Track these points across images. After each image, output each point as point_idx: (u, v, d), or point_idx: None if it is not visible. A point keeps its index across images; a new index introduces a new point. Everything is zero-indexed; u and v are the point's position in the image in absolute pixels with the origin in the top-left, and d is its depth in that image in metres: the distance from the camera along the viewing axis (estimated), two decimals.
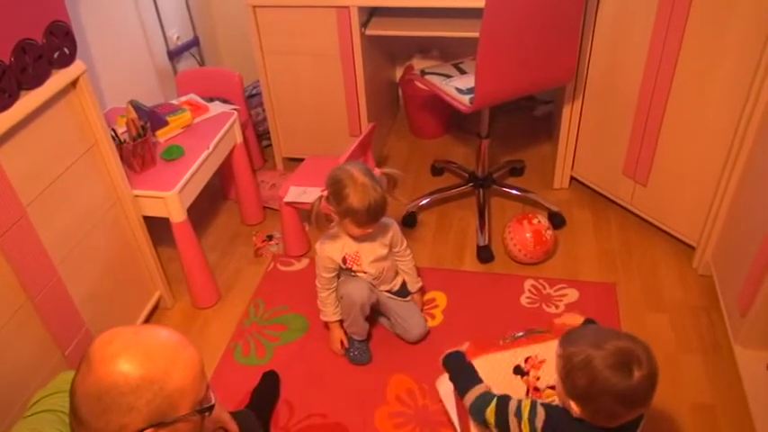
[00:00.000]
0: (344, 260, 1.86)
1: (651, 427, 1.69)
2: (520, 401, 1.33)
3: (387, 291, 1.96)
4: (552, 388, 1.46)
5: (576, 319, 1.49)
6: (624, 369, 1.14)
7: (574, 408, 1.22)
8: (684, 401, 1.76)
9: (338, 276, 1.91)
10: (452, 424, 1.65)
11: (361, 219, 1.73)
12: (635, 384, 1.14)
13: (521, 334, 1.56)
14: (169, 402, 0.94)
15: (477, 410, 1.38)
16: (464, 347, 1.53)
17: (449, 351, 1.53)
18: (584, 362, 1.17)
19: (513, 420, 1.31)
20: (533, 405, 1.30)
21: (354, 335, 1.93)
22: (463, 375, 1.46)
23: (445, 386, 1.60)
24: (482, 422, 1.38)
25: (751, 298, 1.72)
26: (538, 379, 1.51)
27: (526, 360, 1.51)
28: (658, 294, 2.10)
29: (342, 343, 1.94)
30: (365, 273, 1.87)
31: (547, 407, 1.30)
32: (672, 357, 1.88)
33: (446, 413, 1.70)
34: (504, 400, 1.34)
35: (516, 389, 1.48)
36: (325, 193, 1.75)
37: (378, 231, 1.84)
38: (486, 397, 1.37)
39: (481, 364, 1.49)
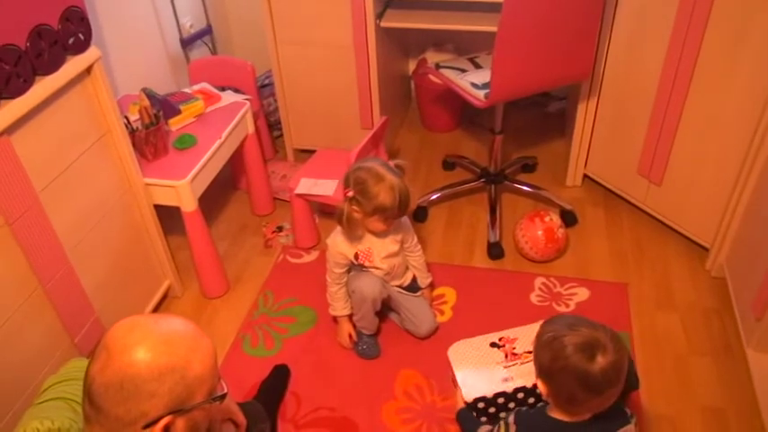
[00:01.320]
0: (356, 256, 1.85)
1: (660, 429, 1.68)
2: (498, 427, 1.38)
3: (397, 286, 1.95)
4: (530, 353, 1.56)
5: None
6: (587, 352, 1.18)
7: (541, 388, 1.27)
8: (695, 404, 1.74)
9: (349, 271, 1.90)
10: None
11: (391, 214, 1.74)
12: (595, 369, 1.17)
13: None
14: (189, 390, 0.95)
15: None
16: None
17: (461, 408, 1.60)
18: (551, 339, 1.23)
19: None
20: (506, 423, 1.36)
21: (364, 329, 1.92)
22: (470, 426, 1.55)
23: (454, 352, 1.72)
24: None
25: (767, 301, 1.70)
26: (514, 348, 1.67)
27: (500, 339, 1.70)
28: (670, 295, 2.09)
29: (350, 337, 1.94)
30: (377, 268, 1.87)
31: (517, 415, 1.35)
32: (683, 359, 1.87)
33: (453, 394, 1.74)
34: None
35: (494, 356, 1.66)
36: (351, 194, 1.74)
37: (391, 227, 1.84)
38: None
39: (461, 346, 1.70)
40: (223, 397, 1.03)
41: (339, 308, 1.93)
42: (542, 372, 1.26)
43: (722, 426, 1.69)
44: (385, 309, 1.98)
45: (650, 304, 2.06)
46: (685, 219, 2.21)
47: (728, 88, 1.88)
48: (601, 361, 1.18)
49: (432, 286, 2.08)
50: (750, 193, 1.92)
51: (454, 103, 2.92)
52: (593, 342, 1.19)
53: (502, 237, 2.33)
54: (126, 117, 1.96)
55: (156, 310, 2.08)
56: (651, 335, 1.95)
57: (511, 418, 1.35)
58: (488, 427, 1.48)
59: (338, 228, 1.87)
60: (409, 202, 1.76)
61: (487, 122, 2.44)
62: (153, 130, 2.00)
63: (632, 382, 1.46)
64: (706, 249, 2.17)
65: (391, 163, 1.79)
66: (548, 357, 1.23)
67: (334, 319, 1.98)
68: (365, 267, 1.87)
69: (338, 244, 1.86)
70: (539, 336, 1.28)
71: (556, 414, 1.30)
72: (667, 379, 1.81)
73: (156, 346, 0.93)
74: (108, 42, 2.22)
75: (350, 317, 1.94)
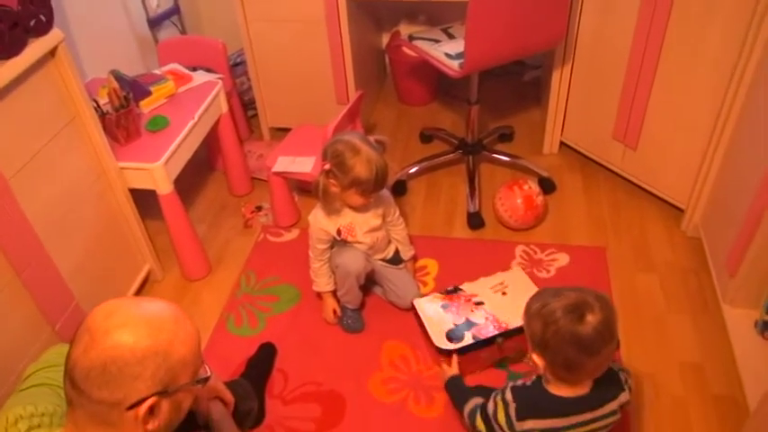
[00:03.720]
0: (339, 232, 1.85)
1: (641, 386, 1.72)
2: (495, 403, 1.37)
3: (380, 259, 1.95)
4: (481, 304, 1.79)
5: None
6: (576, 313, 1.20)
7: (537, 361, 1.27)
8: (673, 360, 1.78)
9: (331, 247, 1.90)
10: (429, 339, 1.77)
11: (368, 188, 1.73)
12: (587, 329, 1.19)
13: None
14: (172, 373, 0.95)
15: (470, 422, 1.48)
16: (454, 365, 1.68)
17: (450, 376, 1.65)
18: (540, 308, 1.24)
19: (491, 420, 1.37)
20: (503, 399, 1.35)
21: (348, 303, 1.93)
22: (460, 395, 1.57)
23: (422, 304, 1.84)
24: (474, 429, 1.46)
25: (740, 258, 1.74)
26: (475, 296, 1.83)
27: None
28: (648, 257, 2.12)
29: (335, 312, 1.94)
30: (360, 243, 1.87)
31: (514, 390, 1.34)
32: (661, 318, 1.91)
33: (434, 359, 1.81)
34: (484, 407, 1.41)
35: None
36: (327, 167, 1.73)
37: (372, 201, 1.83)
38: (475, 408, 1.46)
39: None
40: (206, 380, 1.03)
41: (323, 284, 1.93)
42: (536, 343, 1.26)
43: (700, 379, 1.73)
44: (368, 282, 1.98)
45: (629, 266, 2.09)
46: (661, 181, 2.24)
47: (700, 51, 1.89)
48: (591, 320, 1.19)
49: (414, 258, 2.09)
50: (722, 154, 1.95)
51: (429, 75, 2.90)
52: (581, 303, 1.20)
53: (481, 207, 2.34)
54: (95, 100, 1.92)
55: (137, 294, 2.07)
56: (630, 296, 1.98)
57: (508, 395, 1.34)
58: (480, 399, 1.47)
59: (319, 204, 1.86)
60: (386, 177, 1.76)
61: (463, 93, 2.43)
62: (124, 112, 1.96)
63: None
64: (681, 210, 2.20)
65: (372, 138, 1.78)
66: (539, 326, 1.23)
67: (318, 295, 1.98)
68: (348, 242, 1.87)
69: (320, 220, 1.85)
70: (527, 309, 1.28)
71: (555, 389, 1.29)
72: (647, 338, 1.85)
73: (139, 330, 0.93)
74: (72, 24, 2.17)
75: (333, 292, 1.94)
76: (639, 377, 1.75)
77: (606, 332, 1.20)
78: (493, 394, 1.40)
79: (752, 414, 1.52)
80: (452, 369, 1.68)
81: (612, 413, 1.31)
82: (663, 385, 1.72)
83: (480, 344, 1.71)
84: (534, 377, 1.35)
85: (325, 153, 1.76)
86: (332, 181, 1.75)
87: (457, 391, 1.61)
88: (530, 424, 1.30)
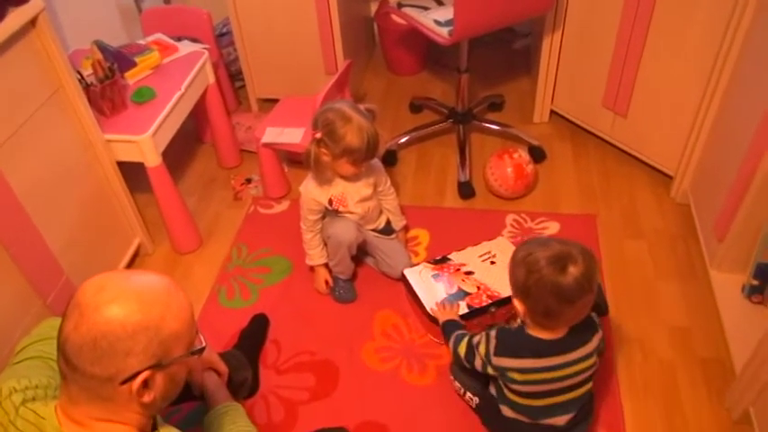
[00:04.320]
0: (330, 202, 1.84)
1: (630, 350, 1.75)
2: (481, 336, 1.44)
3: (372, 229, 1.95)
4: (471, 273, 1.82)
5: None
6: (559, 263, 1.24)
7: (518, 307, 1.32)
8: (662, 325, 1.81)
9: (323, 218, 1.89)
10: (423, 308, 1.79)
11: (359, 156, 1.72)
12: (568, 279, 1.23)
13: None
14: (165, 347, 0.94)
15: (454, 347, 1.54)
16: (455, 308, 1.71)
17: (449, 319, 1.66)
18: (525, 256, 1.29)
19: (474, 350, 1.46)
20: (488, 335, 1.43)
21: (340, 274, 1.93)
22: (451, 328, 1.61)
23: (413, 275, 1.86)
24: (456, 355, 1.53)
25: (728, 224, 1.75)
26: (464, 265, 1.86)
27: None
28: (637, 223, 2.14)
29: (327, 283, 1.95)
30: (351, 213, 1.86)
31: (500, 331, 1.41)
32: (650, 283, 1.93)
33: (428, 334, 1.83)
34: (473, 336, 1.49)
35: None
36: (318, 135, 1.72)
37: (363, 171, 1.82)
38: (461, 336, 1.53)
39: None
40: (201, 351, 1.03)
41: (315, 257, 1.93)
42: (518, 289, 1.31)
43: (687, 343, 1.76)
44: (360, 253, 1.99)
45: (618, 233, 2.10)
46: (650, 148, 2.24)
47: (690, 18, 1.88)
48: (573, 271, 1.23)
49: (406, 228, 2.10)
50: (711, 120, 1.95)
51: (419, 43, 2.87)
52: (565, 254, 1.25)
53: (472, 176, 2.34)
54: (79, 72, 1.89)
55: (128, 267, 2.05)
56: (620, 262, 2.00)
57: (493, 333, 1.41)
58: (463, 332, 1.55)
59: (310, 174, 1.85)
60: (378, 145, 1.75)
61: (453, 62, 2.41)
62: (109, 84, 1.93)
63: (602, 309, 1.51)
64: (670, 177, 2.21)
65: (362, 107, 1.77)
66: (523, 274, 1.28)
67: (311, 267, 1.98)
68: (339, 213, 1.87)
69: (311, 191, 1.84)
70: (513, 256, 1.33)
71: (533, 332, 1.35)
72: (636, 303, 1.87)
73: (130, 304, 0.91)
74: None
75: (326, 264, 1.94)
76: (629, 342, 1.77)
77: (586, 283, 1.25)
78: (484, 331, 1.46)
79: (738, 376, 1.55)
80: (453, 314, 1.70)
81: (588, 356, 1.36)
82: (651, 349, 1.75)
83: (475, 312, 1.72)
84: (519, 322, 1.41)
85: (316, 122, 1.74)
86: (323, 150, 1.74)
87: (451, 327, 1.63)
88: (505, 361, 1.37)
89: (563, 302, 1.25)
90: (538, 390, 1.39)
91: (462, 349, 1.50)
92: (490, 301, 1.73)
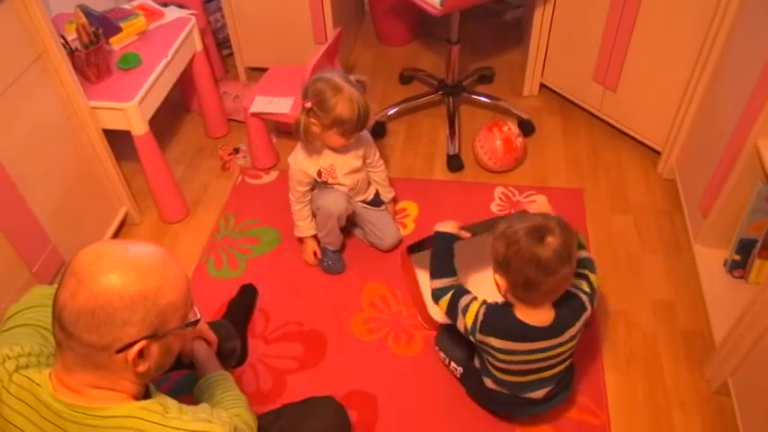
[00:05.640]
0: (319, 173, 1.83)
1: (614, 323, 1.78)
2: (471, 300, 1.43)
3: (361, 201, 1.95)
4: None
5: (545, 207, 1.59)
6: (536, 234, 1.26)
7: (499, 282, 1.34)
8: (646, 298, 1.84)
9: (312, 189, 1.89)
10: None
11: (349, 128, 1.71)
12: (546, 249, 1.25)
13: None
14: (162, 317, 0.94)
15: (435, 296, 1.51)
16: (454, 228, 1.60)
17: (443, 230, 1.59)
18: (504, 229, 1.31)
19: (459, 313, 1.43)
20: (480, 305, 1.41)
21: (329, 245, 1.94)
22: (440, 261, 1.55)
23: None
24: (436, 301, 1.52)
25: (713, 199, 1.78)
26: None
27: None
28: (624, 198, 2.16)
29: (315, 254, 1.95)
30: (341, 185, 1.86)
31: (488, 306, 1.41)
32: (635, 257, 1.96)
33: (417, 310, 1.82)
34: (457, 295, 1.46)
35: None
36: (309, 105, 1.70)
37: (352, 143, 1.82)
38: (447, 289, 1.49)
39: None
40: (196, 323, 1.03)
41: (304, 229, 1.93)
42: (498, 263, 1.33)
43: (670, 316, 1.80)
44: (349, 224, 1.99)
45: (605, 207, 2.12)
46: (639, 123, 2.25)
47: None
48: (551, 241, 1.26)
49: (395, 200, 2.10)
50: (700, 97, 1.96)
51: (410, 14, 2.83)
52: (542, 226, 1.27)
53: (461, 149, 2.34)
54: (63, 37, 1.84)
55: (115, 237, 2.05)
56: (606, 236, 2.03)
57: (483, 309, 1.40)
58: (450, 282, 1.49)
59: (299, 145, 1.84)
60: (368, 117, 1.74)
61: (444, 33, 2.38)
62: (93, 49, 1.88)
63: (590, 266, 1.50)
64: (658, 153, 2.23)
65: (352, 78, 1.75)
66: (502, 246, 1.30)
67: (299, 238, 1.98)
68: (329, 184, 1.86)
69: (300, 162, 1.83)
70: (493, 232, 1.34)
71: (521, 314, 1.36)
72: (621, 277, 1.90)
73: (128, 274, 0.91)
74: None
75: (314, 236, 1.95)
76: (614, 315, 1.80)
77: (564, 254, 1.27)
78: (471, 295, 1.45)
79: (717, 348, 1.59)
80: (453, 227, 1.59)
81: (572, 338, 1.39)
82: (635, 322, 1.78)
83: None
84: (502, 299, 1.41)
85: (306, 91, 1.72)
86: (313, 120, 1.72)
87: (442, 252, 1.55)
88: (491, 340, 1.38)
89: (541, 273, 1.26)
90: (519, 368, 1.41)
91: (444, 305, 1.47)
92: None
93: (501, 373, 1.44)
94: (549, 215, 1.33)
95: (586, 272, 1.46)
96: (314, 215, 1.91)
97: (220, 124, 2.47)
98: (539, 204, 1.62)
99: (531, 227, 1.27)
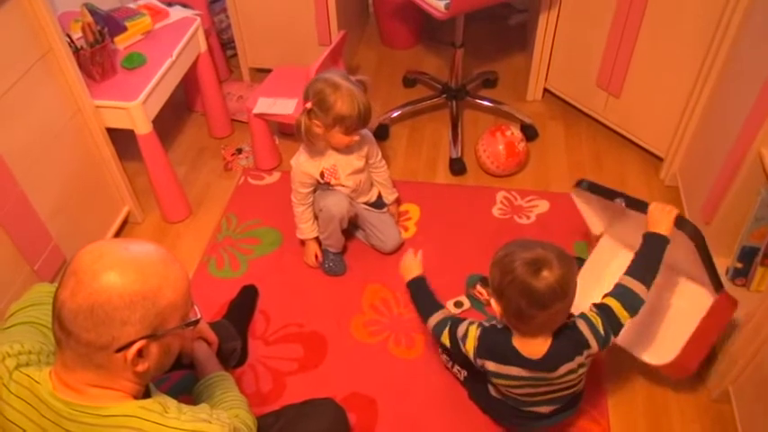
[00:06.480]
0: (322, 174, 1.83)
1: None
2: (467, 327, 1.41)
3: (363, 203, 1.95)
4: None
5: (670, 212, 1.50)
6: (533, 267, 1.22)
7: (495, 307, 1.31)
8: None
9: (314, 191, 1.89)
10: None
11: (351, 125, 1.70)
12: (540, 283, 1.21)
13: (619, 200, 1.59)
14: (161, 317, 0.94)
15: (436, 335, 1.49)
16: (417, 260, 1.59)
17: (411, 278, 1.56)
18: (503, 256, 1.28)
19: (460, 342, 1.41)
20: (477, 329, 1.39)
21: (330, 247, 1.93)
22: (425, 303, 1.54)
23: None
24: (441, 344, 1.50)
25: (715, 207, 1.77)
26: None
27: None
28: None
29: (316, 257, 1.95)
30: (343, 186, 1.86)
31: (484, 330, 1.39)
32: None
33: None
34: (454, 326, 1.44)
35: None
36: (309, 106, 1.70)
37: (355, 143, 1.82)
38: (443, 323, 1.47)
39: None
40: (196, 323, 1.03)
41: (307, 231, 1.93)
42: (494, 289, 1.30)
43: None
44: (350, 226, 1.99)
45: None
46: (642, 130, 2.25)
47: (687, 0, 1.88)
48: (546, 275, 1.21)
49: (397, 202, 2.10)
50: (703, 104, 1.95)
51: (414, 17, 2.84)
52: (541, 258, 1.22)
53: (464, 152, 2.34)
54: (68, 35, 1.85)
55: (117, 236, 2.05)
56: None
57: (477, 332, 1.38)
58: (447, 315, 1.47)
59: (302, 147, 1.84)
60: (370, 113, 1.74)
61: (448, 37, 2.38)
62: (98, 48, 1.89)
63: (629, 305, 1.43)
64: (661, 159, 2.22)
65: (353, 77, 1.75)
66: (498, 274, 1.27)
67: (301, 240, 1.98)
68: (331, 186, 1.86)
69: (302, 164, 1.83)
70: (494, 256, 1.31)
71: (517, 343, 1.32)
72: None
73: (128, 274, 0.91)
74: None
75: (316, 238, 1.95)
76: None
77: (560, 289, 1.22)
78: (467, 321, 1.42)
79: (719, 356, 1.58)
80: (416, 268, 1.57)
81: (573, 371, 1.33)
82: None
83: None
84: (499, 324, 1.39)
85: (307, 93, 1.73)
86: (315, 121, 1.72)
87: (422, 296, 1.55)
88: (489, 364, 1.36)
89: (533, 306, 1.22)
90: (519, 393, 1.39)
91: (446, 340, 1.45)
92: None
93: (505, 389, 1.42)
94: (553, 246, 1.26)
95: (612, 307, 1.33)
96: (316, 217, 1.91)
97: (224, 125, 2.48)
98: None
99: (530, 259, 1.23)
